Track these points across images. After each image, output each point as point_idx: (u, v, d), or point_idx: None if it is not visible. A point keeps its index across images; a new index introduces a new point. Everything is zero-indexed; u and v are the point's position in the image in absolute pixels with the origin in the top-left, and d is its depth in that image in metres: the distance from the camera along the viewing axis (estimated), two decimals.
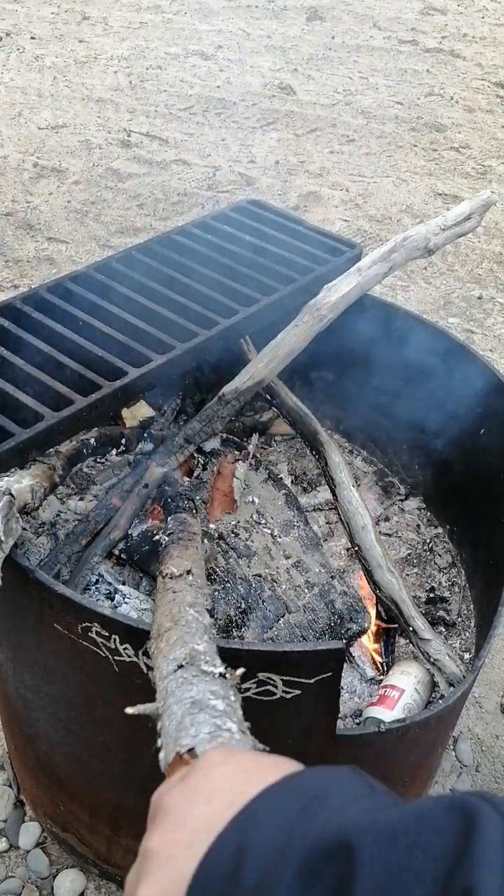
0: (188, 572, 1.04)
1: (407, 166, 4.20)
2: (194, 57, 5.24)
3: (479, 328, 3.12)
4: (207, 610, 0.96)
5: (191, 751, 0.61)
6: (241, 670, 0.79)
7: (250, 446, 1.69)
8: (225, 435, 1.70)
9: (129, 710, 0.75)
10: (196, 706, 0.67)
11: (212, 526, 1.49)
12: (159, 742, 0.67)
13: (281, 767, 0.51)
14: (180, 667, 0.76)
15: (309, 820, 0.44)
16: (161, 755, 0.64)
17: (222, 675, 0.75)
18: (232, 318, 1.50)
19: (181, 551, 1.16)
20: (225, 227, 1.76)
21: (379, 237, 3.55)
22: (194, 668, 0.76)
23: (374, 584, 1.43)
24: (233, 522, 1.51)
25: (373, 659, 1.49)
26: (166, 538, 1.30)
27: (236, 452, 1.64)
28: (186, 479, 1.56)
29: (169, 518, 1.38)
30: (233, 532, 1.50)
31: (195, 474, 1.59)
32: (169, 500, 1.47)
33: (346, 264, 1.66)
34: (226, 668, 0.79)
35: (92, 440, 1.45)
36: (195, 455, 1.60)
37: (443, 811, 0.42)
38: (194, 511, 1.43)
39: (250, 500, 1.57)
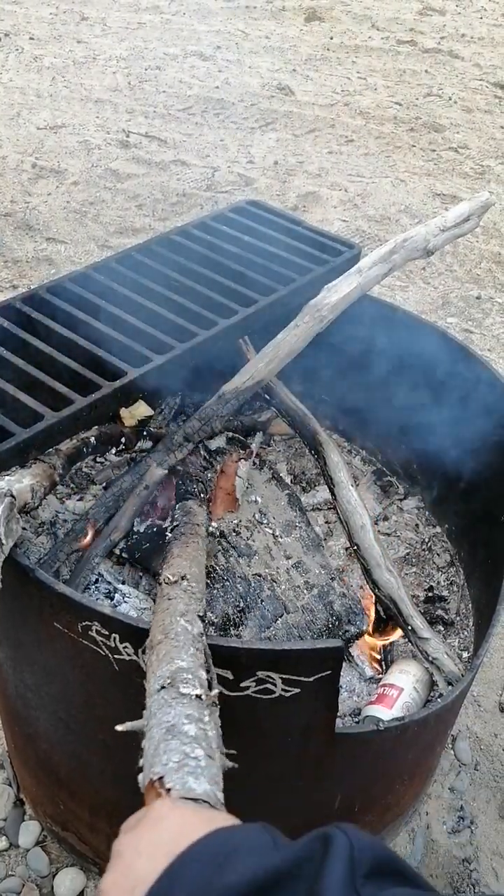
0: (183, 578, 1.05)
1: (405, 166, 4.20)
2: (193, 57, 5.25)
3: (478, 328, 3.13)
4: (200, 616, 0.97)
5: (161, 779, 0.69)
6: (216, 691, 0.86)
7: (253, 445, 1.70)
8: (230, 434, 1.71)
9: (119, 728, 0.82)
10: (170, 732, 0.75)
11: (213, 524, 1.49)
12: (140, 762, 0.74)
13: (213, 823, 0.61)
14: (163, 687, 0.83)
15: (220, 876, 0.54)
16: (140, 777, 0.72)
17: (198, 697, 0.81)
18: (231, 318, 1.50)
19: (181, 549, 1.16)
20: (224, 227, 1.76)
21: (377, 237, 3.55)
22: (174, 690, 0.82)
23: (373, 583, 1.43)
24: (234, 521, 1.51)
25: (371, 658, 1.50)
26: (170, 534, 1.30)
27: (240, 451, 1.64)
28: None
29: (177, 505, 1.39)
30: (234, 531, 1.50)
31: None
32: (180, 482, 1.47)
33: (345, 265, 1.66)
34: (205, 684, 0.85)
35: (91, 439, 1.46)
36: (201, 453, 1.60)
37: (311, 842, 0.55)
38: (203, 494, 1.43)
39: (253, 499, 1.57)
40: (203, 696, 0.82)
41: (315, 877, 0.52)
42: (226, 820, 0.63)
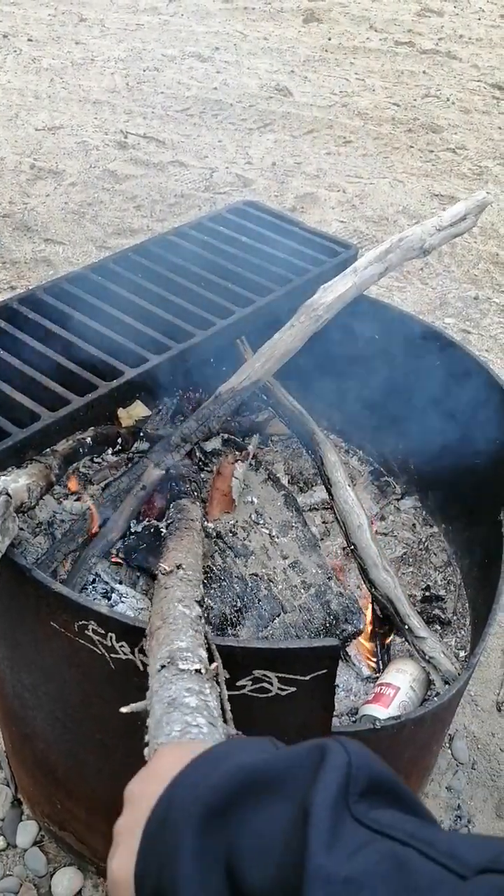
0: (179, 567, 1.05)
1: (403, 167, 4.21)
2: (191, 59, 5.25)
3: (476, 328, 3.13)
4: (198, 601, 0.98)
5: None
6: (215, 664, 0.87)
7: (250, 447, 1.70)
8: (226, 435, 1.71)
9: (123, 709, 0.83)
10: (171, 705, 0.76)
11: (210, 525, 1.50)
12: (146, 738, 0.75)
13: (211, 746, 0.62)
14: (163, 667, 0.84)
15: (213, 773, 0.55)
16: (146, 750, 0.74)
17: (198, 671, 0.83)
18: (228, 318, 1.50)
19: (177, 543, 1.17)
20: (221, 228, 1.77)
21: (375, 238, 3.56)
22: (174, 668, 0.83)
23: (370, 582, 1.44)
24: (231, 522, 1.51)
25: (368, 657, 1.50)
26: (165, 530, 1.31)
27: (236, 452, 1.65)
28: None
29: (171, 505, 1.39)
30: (231, 531, 1.50)
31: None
32: (173, 483, 1.47)
33: (342, 265, 1.67)
34: (205, 660, 0.87)
35: (88, 440, 1.46)
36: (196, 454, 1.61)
37: (307, 750, 0.54)
38: (197, 492, 1.43)
39: (249, 500, 1.58)
40: (203, 670, 0.83)
41: (307, 785, 0.50)
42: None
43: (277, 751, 0.57)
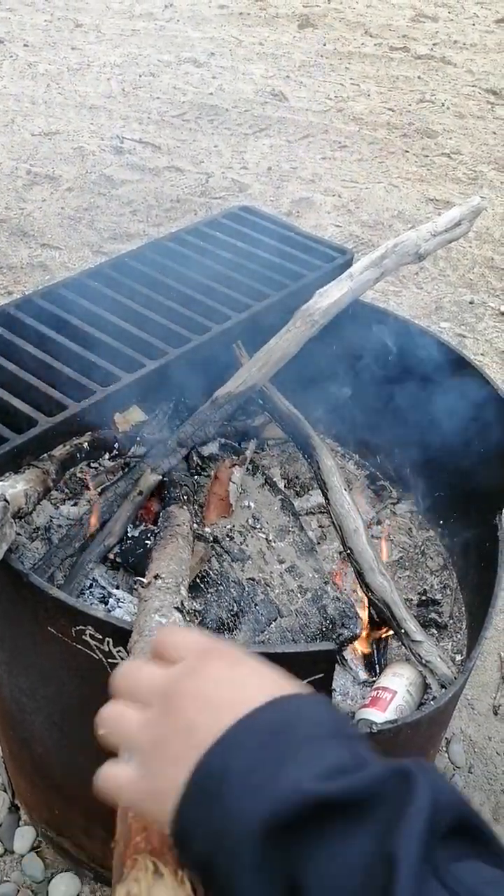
0: (156, 577, 1.06)
1: (399, 172, 4.22)
2: (187, 64, 5.27)
3: (471, 332, 3.14)
4: (177, 607, 0.98)
5: None
6: None
7: (247, 451, 1.70)
8: (223, 440, 1.72)
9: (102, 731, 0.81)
10: None
11: (207, 529, 1.50)
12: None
13: (277, 686, 0.58)
14: None
15: (281, 769, 0.50)
16: None
17: None
18: (224, 323, 1.51)
19: (160, 552, 1.17)
20: (217, 233, 1.77)
21: (371, 243, 3.57)
22: None
23: (366, 586, 1.44)
24: (228, 526, 1.52)
25: (365, 661, 1.50)
26: (151, 540, 1.31)
27: (234, 457, 1.65)
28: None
29: (161, 513, 1.40)
30: (228, 536, 1.51)
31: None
32: (165, 491, 1.48)
33: (337, 270, 1.67)
34: None
35: (85, 444, 1.46)
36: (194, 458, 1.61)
37: (389, 777, 0.49)
38: (188, 497, 1.44)
39: (246, 504, 1.58)
40: None
41: (390, 822, 0.46)
42: (287, 687, 0.60)
43: (356, 765, 0.51)
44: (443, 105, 5.03)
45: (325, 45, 5.82)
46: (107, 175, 3.92)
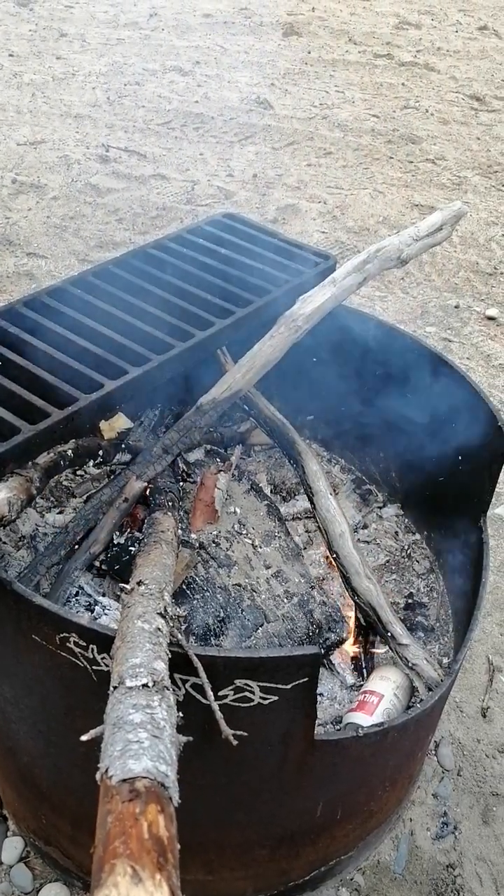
0: (139, 583, 1.06)
1: (383, 178, 4.24)
2: (172, 73, 5.28)
3: (457, 337, 3.16)
4: (160, 613, 0.98)
5: (107, 770, 0.72)
6: (163, 675, 0.87)
7: (233, 457, 1.71)
8: (209, 446, 1.72)
9: (83, 738, 0.84)
10: (116, 726, 0.78)
11: (193, 535, 1.50)
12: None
13: None
14: (115, 688, 0.85)
15: None
16: (97, 775, 0.75)
17: (145, 686, 0.84)
18: (208, 329, 1.51)
19: (144, 558, 1.17)
20: (200, 240, 1.78)
21: (357, 248, 3.58)
22: (123, 687, 0.84)
23: (353, 590, 1.44)
24: (214, 532, 1.52)
25: (353, 664, 1.51)
26: (136, 547, 1.31)
27: (219, 463, 1.65)
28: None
29: (146, 520, 1.39)
30: (214, 542, 1.51)
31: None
32: (150, 498, 1.47)
33: (320, 276, 1.68)
34: (157, 672, 0.87)
35: (69, 452, 1.46)
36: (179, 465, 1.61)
37: None
38: (173, 503, 1.43)
39: (232, 510, 1.58)
40: (150, 684, 0.84)
41: None
42: None
43: None
44: (427, 111, 5.06)
45: (309, 52, 5.85)
46: (92, 183, 3.93)
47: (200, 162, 4.24)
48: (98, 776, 0.73)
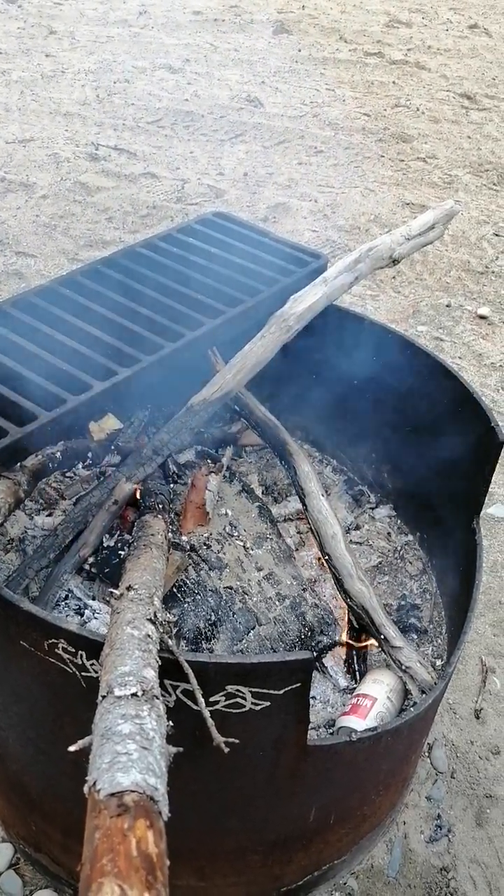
0: (129, 588, 1.04)
1: (374, 176, 4.23)
2: (162, 70, 5.26)
3: (448, 336, 3.15)
4: (150, 619, 0.97)
5: (94, 784, 0.70)
6: (153, 685, 0.84)
7: (224, 458, 1.69)
8: (199, 447, 1.70)
9: (71, 748, 0.82)
10: (104, 737, 0.76)
11: (184, 538, 1.48)
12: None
13: None
14: (103, 697, 0.83)
15: None
16: (84, 788, 0.73)
17: (135, 695, 0.82)
18: (198, 329, 1.50)
19: (133, 563, 1.16)
20: (190, 239, 1.76)
21: (348, 247, 3.56)
22: (111, 697, 0.82)
23: (345, 592, 1.43)
24: (205, 535, 1.50)
25: (345, 667, 1.49)
26: (125, 551, 1.30)
27: (210, 464, 1.64)
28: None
29: (135, 523, 1.38)
30: (205, 544, 1.49)
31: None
32: (140, 500, 1.46)
33: (311, 275, 1.67)
34: (146, 681, 0.85)
35: (58, 454, 1.44)
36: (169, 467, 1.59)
37: None
38: (163, 506, 1.42)
39: (223, 512, 1.57)
40: (139, 693, 0.82)
41: None
42: None
43: None
44: (418, 110, 5.05)
45: (300, 50, 5.83)
46: (82, 182, 3.90)
47: (191, 160, 4.22)
48: (86, 789, 0.71)
